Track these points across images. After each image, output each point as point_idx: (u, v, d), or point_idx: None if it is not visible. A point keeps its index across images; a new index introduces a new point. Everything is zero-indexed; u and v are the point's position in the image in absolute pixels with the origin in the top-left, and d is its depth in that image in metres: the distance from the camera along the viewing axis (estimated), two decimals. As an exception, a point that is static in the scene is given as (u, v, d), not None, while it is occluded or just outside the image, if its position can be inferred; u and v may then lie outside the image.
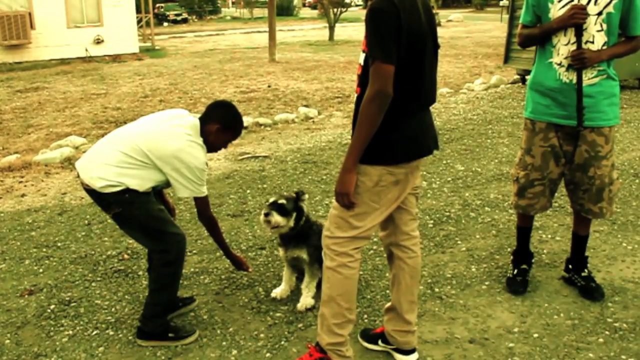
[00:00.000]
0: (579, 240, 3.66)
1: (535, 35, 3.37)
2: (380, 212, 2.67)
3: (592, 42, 3.18)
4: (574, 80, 3.22)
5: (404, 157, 2.62)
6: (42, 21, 18.91)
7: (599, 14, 3.15)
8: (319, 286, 3.55)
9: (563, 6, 3.20)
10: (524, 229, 3.76)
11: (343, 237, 2.66)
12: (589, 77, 3.22)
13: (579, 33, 3.17)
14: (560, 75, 3.27)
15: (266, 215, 3.41)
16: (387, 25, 2.40)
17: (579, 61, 3.16)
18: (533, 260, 3.84)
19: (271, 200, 3.50)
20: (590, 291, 3.52)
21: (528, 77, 12.81)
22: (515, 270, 3.73)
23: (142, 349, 3.15)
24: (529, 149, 3.46)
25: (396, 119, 2.54)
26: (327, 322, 2.74)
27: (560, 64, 3.26)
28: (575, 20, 3.13)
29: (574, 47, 3.19)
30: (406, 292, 2.90)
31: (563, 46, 3.24)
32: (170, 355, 3.09)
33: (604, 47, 3.19)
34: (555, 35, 3.25)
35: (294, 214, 3.45)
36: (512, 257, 3.83)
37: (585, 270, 3.63)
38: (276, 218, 3.40)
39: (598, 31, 3.17)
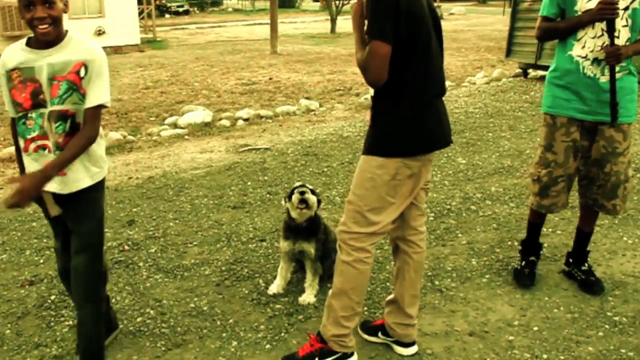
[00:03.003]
0: (583, 236, 3.64)
1: (561, 29, 3.26)
2: (396, 207, 2.66)
3: (617, 37, 3.10)
4: (597, 75, 3.15)
5: (422, 149, 2.61)
6: (44, 12, 18.84)
7: (626, 8, 3.09)
8: (320, 283, 3.57)
9: None
10: (537, 225, 3.70)
11: (361, 232, 2.65)
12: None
13: (611, 28, 3.07)
14: (585, 69, 3.18)
15: (302, 193, 3.39)
16: (385, 5, 2.38)
17: (615, 57, 3.06)
18: (540, 252, 3.81)
19: (298, 184, 3.50)
20: (590, 285, 3.52)
21: (530, 71, 12.67)
22: (523, 262, 3.68)
23: (142, 340, 3.16)
24: (550, 146, 3.35)
25: (414, 109, 2.54)
26: (334, 314, 2.74)
27: (585, 57, 3.18)
28: (603, 16, 3.04)
29: (600, 41, 3.11)
30: (409, 287, 2.90)
31: (590, 39, 3.15)
32: (170, 347, 3.09)
33: (627, 43, 3.12)
34: (582, 28, 3.16)
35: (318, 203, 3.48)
36: (520, 248, 3.77)
37: (586, 264, 3.63)
38: (311, 198, 3.40)
39: (624, 26, 3.11)
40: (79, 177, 2.60)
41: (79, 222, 2.67)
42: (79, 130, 2.55)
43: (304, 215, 3.45)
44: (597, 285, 3.53)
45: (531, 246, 3.73)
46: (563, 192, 3.42)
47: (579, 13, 3.17)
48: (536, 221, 3.69)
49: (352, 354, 2.84)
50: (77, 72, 2.50)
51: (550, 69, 3.40)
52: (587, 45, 3.17)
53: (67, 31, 2.57)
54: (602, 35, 3.11)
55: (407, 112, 2.53)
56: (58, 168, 2.49)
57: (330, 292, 2.79)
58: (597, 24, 3.12)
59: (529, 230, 3.73)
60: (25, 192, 2.42)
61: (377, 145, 2.59)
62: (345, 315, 2.73)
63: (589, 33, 3.15)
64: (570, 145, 3.30)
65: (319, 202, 3.50)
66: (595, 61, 3.15)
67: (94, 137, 2.56)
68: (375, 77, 2.45)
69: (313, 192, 3.46)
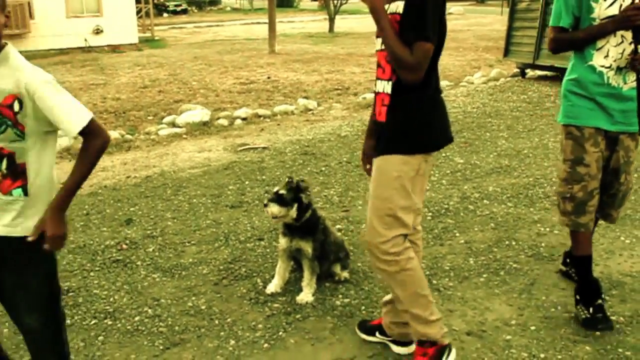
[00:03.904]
0: None
1: (580, 39, 3.05)
2: (415, 205, 2.66)
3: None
4: (620, 84, 3.01)
5: (442, 142, 2.67)
6: (41, 11, 18.86)
7: None
8: (318, 282, 3.57)
9: (611, 4, 2.94)
10: (587, 259, 3.26)
11: (397, 235, 2.62)
12: (632, 80, 3.01)
13: (638, 34, 2.90)
14: (610, 79, 3.01)
15: (265, 205, 3.43)
16: (437, 6, 2.44)
17: None
18: (532, 253, 3.79)
19: (275, 189, 3.51)
20: None
21: (528, 71, 12.57)
22: (591, 309, 3.19)
23: (140, 339, 3.16)
24: (580, 159, 3.10)
25: (433, 105, 2.60)
26: (421, 319, 2.71)
27: (609, 67, 3.00)
28: (634, 22, 2.86)
29: (621, 49, 2.96)
30: None
31: (613, 48, 2.98)
32: (168, 345, 3.09)
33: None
34: (605, 36, 2.98)
35: (295, 205, 3.44)
36: (577, 297, 3.29)
37: None
38: (273, 209, 3.40)
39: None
40: (16, 222, 2.18)
41: (20, 274, 2.23)
42: (19, 173, 2.15)
43: (277, 221, 3.53)
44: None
45: (590, 288, 3.25)
46: (597, 205, 3.18)
47: (597, 21, 2.99)
48: (585, 253, 3.25)
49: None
50: (10, 106, 2.07)
51: (568, 78, 3.18)
52: (610, 54, 2.99)
53: (5, 44, 2.12)
54: (622, 42, 2.96)
55: (429, 108, 2.58)
56: (71, 193, 2.19)
57: (400, 306, 2.75)
58: (618, 31, 2.95)
59: (581, 270, 3.29)
60: (55, 242, 2.21)
61: (402, 143, 2.58)
62: (430, 313, 2.72)
63: (612, 41, 2.98)
64: (600, 156, 3.10)
65: (299, 199, 3.44)
66: (618, 70, 3.00)
67: (106, 144, 2.21)
68: (421, 77, 2.47)
69: (281, 198, 3.41)
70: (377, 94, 2.68)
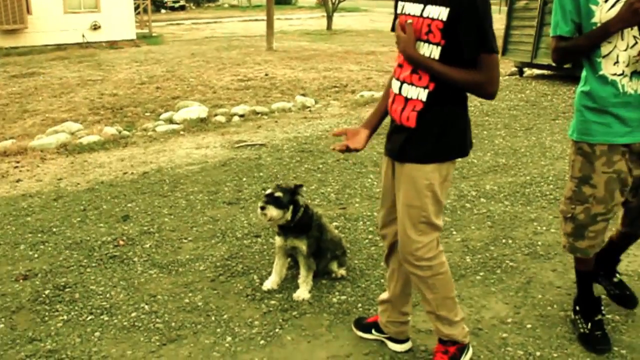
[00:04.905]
0: (617, 248, 3.34)
1: (582, 46, 2.77)
2: (444, 204, 2.68)
3: (636, 42, 2.71)
4: (639, 90, 2.73)
5: (470, 146, 2.66)
6: (39, 6, 18.80)
7: None
8: (314, 279, 3.58)
9: (612, 5, 2.64)
10: (587, 274, 3.11)
11: (431, 239, 2.62)
12: None
13: None
14: (625, 87, 2.72)
15: (262, 208, 3.39)
16: (490, 12, 2.43)
17: None
18: (528, 252, 3.80)
19: (268, 191, 3.48)
20: (625, 300, 3.33)
21: (526, 70, 12.49)
22: (589, 324, 3.05)
23: (137, 335, 3.16)
24: (588, 178, 2.83)
25: (465, 114, 2.58)
26: (448, 320, 2.74)
27: (622, 74, 2.71)
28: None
29: (635, 51, 2.67)
30: (404, 287, 2.90)
31: (623, 52, 2.69)
32: (164, 342, 3.09)
33: None
34: (609, 41, 2.69)
35: (291, 207, 3.43)
36: (576, 308, 3.17)
37: (617, 275, 3.40)
38: (271, 212, 3.37)
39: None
40: None
41: None
42: None
43: (270, 224, 3.52)
44: (632, 300, 3.32)
45: (590, 303, 3.11)
46: (602, 233, 2.93)
47: (599, 25, 2.70)
48: (585, 269, 3.09)
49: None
50: None
51: (581, 90, 2.88)
52: (620, 59, 2.70)
53: None
54: (636, 43, 2.67)
55: (464, 117, 2.57)
56: None
57: (427, 307, 2.75)
58: (626, 32, 2.66)
59: (581, 284, 3.14)
60: None
61: (437, 152, 2.54)
62: (454, 313, 2.75)
63: (619, 45, 2.69)
64: (613, 178, 2.78)
65: (297, 204, 3.45)
66: (634, 74, 2.72)
67: None
68: (497, 89, 2.46)
69: (278, 201, 3.38)
70: (407, 99, 2.53)
